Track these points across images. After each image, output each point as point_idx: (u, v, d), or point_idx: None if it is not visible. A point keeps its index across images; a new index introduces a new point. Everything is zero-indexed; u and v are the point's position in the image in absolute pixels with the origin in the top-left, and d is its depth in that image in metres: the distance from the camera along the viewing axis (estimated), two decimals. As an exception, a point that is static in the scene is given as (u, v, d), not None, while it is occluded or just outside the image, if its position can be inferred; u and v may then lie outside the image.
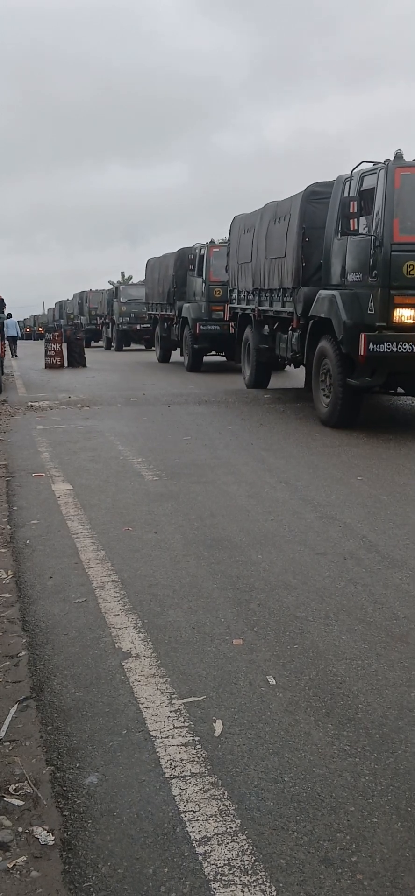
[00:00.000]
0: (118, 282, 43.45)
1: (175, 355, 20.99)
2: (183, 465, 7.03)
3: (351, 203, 8.56)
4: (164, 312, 20.82)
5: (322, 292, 9.50)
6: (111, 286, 38.84)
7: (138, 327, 28.13)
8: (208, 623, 3.48)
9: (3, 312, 17.73)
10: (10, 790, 2.31)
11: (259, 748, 2.49)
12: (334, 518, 5.24)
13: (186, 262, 18.43)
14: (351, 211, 8.53)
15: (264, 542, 4.69)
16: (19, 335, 32.32)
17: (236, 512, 5.41)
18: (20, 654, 3.20)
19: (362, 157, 9.74)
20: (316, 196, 10.35)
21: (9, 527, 5.11)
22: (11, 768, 2.42)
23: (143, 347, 29.31)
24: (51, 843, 2.08)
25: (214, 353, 18.91)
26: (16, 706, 2.79)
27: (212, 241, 17.83)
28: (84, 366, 20.38)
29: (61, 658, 3.16)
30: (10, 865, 2.00)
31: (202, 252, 17.48)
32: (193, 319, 17.47)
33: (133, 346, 30.27)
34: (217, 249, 17.17)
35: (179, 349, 19.86)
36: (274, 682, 2.92)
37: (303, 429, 9.27)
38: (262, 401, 12.16)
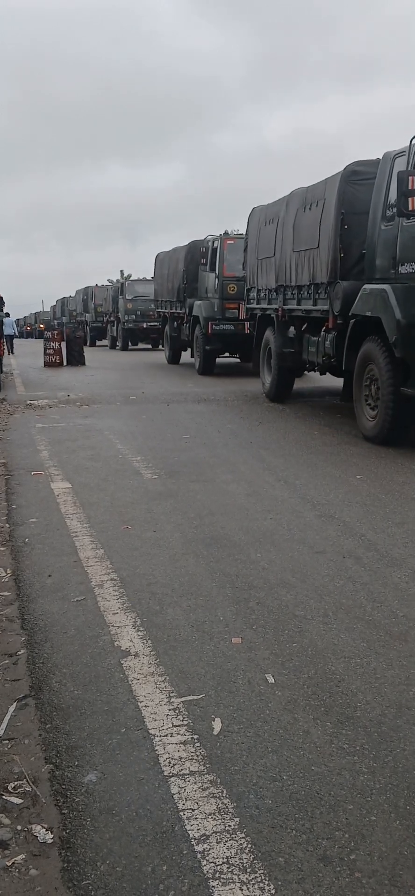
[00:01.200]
0: (118, 280, 43.02)
1: (185, 356, 19.94)
2: (182, 464, 7.03)
3: (410, 179, 7.10)
4: (173, 310, 19.30)
5: (368, 287, 8.14)
6: (110, 284, 38.27)
7: (145, 325, 26.98)
8: (207, 621, 3.48)
9: (2, 311, 17.71)
10: (9, 788, 2.31)
11: (258, 746, 2.49)
12: (332, 516, 5.24)
13: (198, 257, 16.84)
14: (410, 188, 7.09)
15: (263, 541, 4.69)
16: (16, 333, 32.30)
17: (235, 510, 5.41)
18: (19, 653, 3.20)
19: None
20: (357, 177, 8.90)
21: (8, 525, 5.11)
22: (10, 766, 2.42)
23: (149, 347, 28.67)
24: (49, 841, 2.09)
25: (227, 354, 17.30)
26: (15, 704, 2.79)
27: (226, 233, 16.49)
28: (83, 364, 20.39)
29: (60, 656, 3.16)
30: (8, 864, 2.00)
31: (215, 245, 15.90)
32: (204, 318, 15.92)
33: (140, 345, 29.49)
34: (232, 242, 15.56)
35: (189, 350, 18.28)
36: (273, 681, 2.92)
37: (302, 427, 9.27)
38: (261, 399, 12.14)
